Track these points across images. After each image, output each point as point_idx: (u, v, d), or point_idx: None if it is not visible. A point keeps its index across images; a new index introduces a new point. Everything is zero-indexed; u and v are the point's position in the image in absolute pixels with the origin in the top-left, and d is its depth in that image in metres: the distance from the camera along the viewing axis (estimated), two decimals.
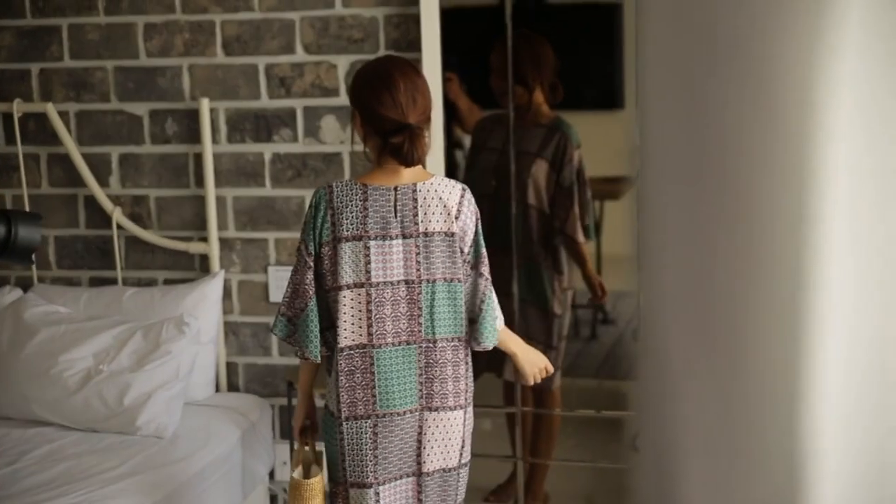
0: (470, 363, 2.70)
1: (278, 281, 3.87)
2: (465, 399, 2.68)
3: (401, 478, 2.65)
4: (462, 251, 2.63)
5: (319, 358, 2.64)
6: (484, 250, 2.65)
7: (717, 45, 0.85)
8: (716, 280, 0.87)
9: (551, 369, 2.86)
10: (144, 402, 3.46)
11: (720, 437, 0.87)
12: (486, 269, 2.66)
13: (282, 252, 3.87)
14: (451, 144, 3.79)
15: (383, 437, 2.62)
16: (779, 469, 0.84)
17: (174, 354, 3.55)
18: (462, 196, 2.63)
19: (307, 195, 3.80)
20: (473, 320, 2.66)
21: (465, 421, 2.68)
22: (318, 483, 2.67)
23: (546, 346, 3.63)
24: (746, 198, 0.85)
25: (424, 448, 2.64)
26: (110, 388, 3.49)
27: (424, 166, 2.67)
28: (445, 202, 2.60)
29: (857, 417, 0.84)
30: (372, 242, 2.57)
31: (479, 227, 2.66)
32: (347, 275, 2.58)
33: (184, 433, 3.51)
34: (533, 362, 2.83)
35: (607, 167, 3.63)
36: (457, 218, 2.61)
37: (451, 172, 3.67)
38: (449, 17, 3.55)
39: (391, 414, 2.61)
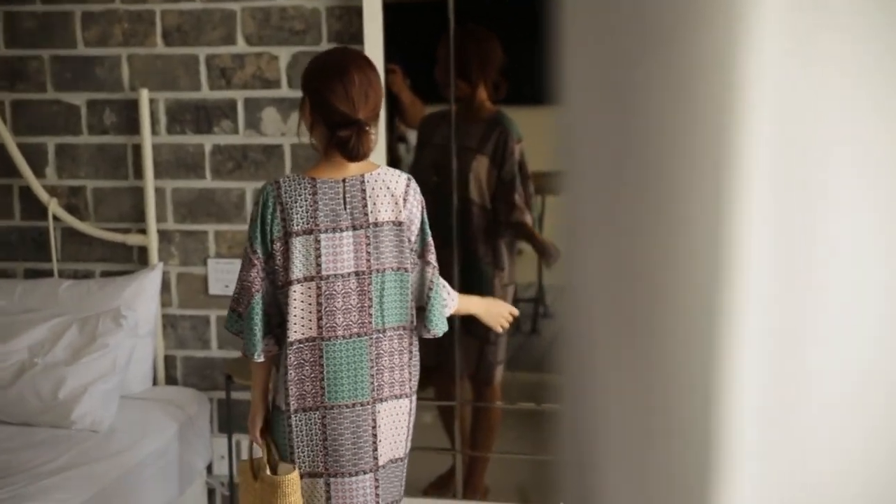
0: (416, 352, 2.70)
1: (218, 273, 3.84)
2: (410, 388, 2.70)
3: (356, 474, 2.63)
4: (409, 240, 2.64)
5: (261, 357, 2.62)
6: (430, 239, 2.67)
7: (639, 38, 0.85)
8: (636, 274, 0.88)
9: (515, 312, 2.97)
10: (80, 395, 3.42)
11: (638, 429, 0.88)
12: (432, 257, 2.67)
13: (222, 245, 3.84)
14: (395, 138, 3.78)
15: (332, 429, 2.61)
16: (694, 460, 0.85)
17: (111, 347, 3.51)
18: (408, 185, 2.65)
19: (248, 187, 3.77)
20: (422, 308, 2.68)
21: (410, 409, 2.71)
22: (296, 477, 2.64)
23: (485, 341, 3.64)
24: (667, 192, 0.86)
25: (380, 442, 2.64)
26: (45, 382, 3.44)
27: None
28: (393, 192, 2.61)
29: (770, 412, 0.85)
30: (322, 235, 2.57)
31: (425, 216, 2.67)
32: (298, 269, 2.57)
33: (120, 427, 3.48)
34: (497, 314, 2.94)
35: (551, 161, 3.65)
36: (403, 207, 2.62)
37: (393, 166, 3.66)
38: (392, 10, 3.54)
39: (339, 406, 2.61)
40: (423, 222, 2.66)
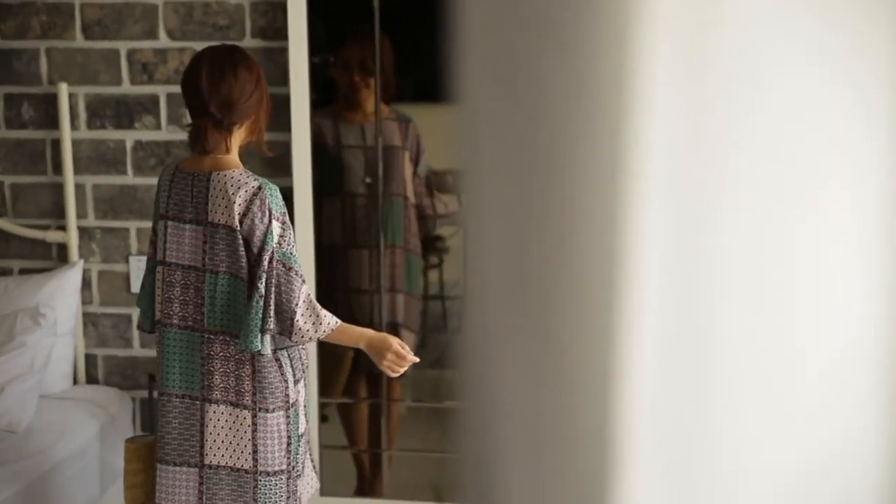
0: (262, 368, 2.60)
1: (140, 271, 3.77)
2: (253, 401, 2.60)
3: (181, 465, 2.67)
4: (252, 250, 2.54)
5: (150, 329, 2.77)
6: (267, 255, 2.52)
7: (535, 34, 0.85)
8: (532, 273, 0.88)
9: (405, 355, 2.66)
10: None
11: (533, 428, 0.88)
12: (263, 272, 2.52)
13: (144, 242, 3.78)
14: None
15: (163, 415, 2.69)
16: (588, 460, 0.85)
17: (29, 346, 3.45)
18: (255, 194, 2.54)
19: None
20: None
21: (255, 423, 2.61)
22: (132, 448, 2.82)
23: (417, 333, 3.66)
24: (563, 190, 0.86)
25: (207, 441, 2.64)
26: None
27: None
28: (230, 197, 2.55)
29: (667, 413, 0.86)
30: (170, 223, 2.66)
31: (272, 229, 2.53)
32: (160, 251, 2.69)
33: (39, 427, 3.42)
34: (381, 351, 2.66)
35: (448, 160, 3.70)
36: (244, 215, 2.54)
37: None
38: (318, 6, 3.51)
39: (170, 394, 2.67)
40: (267, 235, 2.52)
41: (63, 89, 3.67)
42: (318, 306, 2.61)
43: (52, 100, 3.73)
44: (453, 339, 3.92)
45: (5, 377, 3.39)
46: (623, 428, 0.85)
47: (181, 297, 2.63)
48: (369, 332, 2.71)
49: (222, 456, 2.64)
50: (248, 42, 3.58)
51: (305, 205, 3.52)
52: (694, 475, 0.87)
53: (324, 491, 3.66)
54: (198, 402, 2.64)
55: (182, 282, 2.63)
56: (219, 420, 2.62)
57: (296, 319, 2.56)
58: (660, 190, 0.85)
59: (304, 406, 2.76)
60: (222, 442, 2.63)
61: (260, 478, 2.63)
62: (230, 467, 2.64)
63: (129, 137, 3.74)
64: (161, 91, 3.69)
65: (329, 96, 3.66)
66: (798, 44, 0.86)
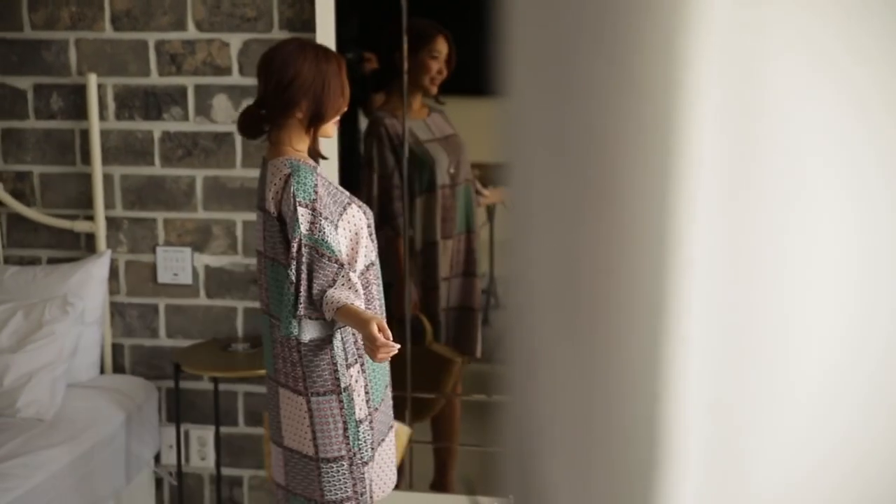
0: (311, 351, 2.59)
1: (167, 262, 3.80)
2: (305, 387, 2.60)
3: (274, 442, 2.76)
4: (287, 237, 2.55)
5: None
6: (295, 243, 2.51)
7: (584, 26, 0.85)
8: (580, 267, 0.88)
9: (386, 344, 2.43)
10: (25, 383, 3.38)
11: (581, 424, 0.88)
12: (293, 259, 2.51)
13: (171, 233, 3.80)
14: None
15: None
16: (637, 457, 0.85)
17: (57, 335, 3.47)
18: (286, 181, 2.55)
19: (198, 174, 3.74)
20: None
21: (310, 409, 2.61)
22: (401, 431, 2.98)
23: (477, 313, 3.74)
24: (611, 184, 0.86)
25: (282, 423, 2.69)
26: None
27: (294, 143, 2.65)
28: (274, 181, 2.58)
29: (717, 409, 0.86)
30: (257, 211, 2.72)
31: (298, 216, 2.52)
32: None
33: (66, 415, 3.44)
34: (370, 336, 2.44)
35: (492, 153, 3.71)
36: (280, 202, 2.56)
37: (353, 163, 3.63)
38: None
39: (265, 376, 2.80)
40: (294, 220, 2.52)
41: (92, 80, 3.69)
42: (359, 285, 2.54)
43: (80, 90, 3.75)
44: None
45: (34, 366, 3.41)
46: (673, 428, 0.85)
47: (259, 282, 2.74)
48: (362, 311, 2.53)
49: (292, 439, 2.68)
50: (276, 34, 3.59)
51: None
52: (742, 471, 0.86)
53: None
54: (274, 384, 2.71)
55: (258, 266, 2.73)
56: (287, 404, 2.68)
57: (328, 292, 2.51)
58: (709, 190, 0.85)
59: (367, 391, 2.68)
60: (290, 426, 2.68)
61: (322, 465, 2.62)
62: (299, 452, 2.67)
63: (157, 128, 3.75)
64: (189, 82, 3.70)
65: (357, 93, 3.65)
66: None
